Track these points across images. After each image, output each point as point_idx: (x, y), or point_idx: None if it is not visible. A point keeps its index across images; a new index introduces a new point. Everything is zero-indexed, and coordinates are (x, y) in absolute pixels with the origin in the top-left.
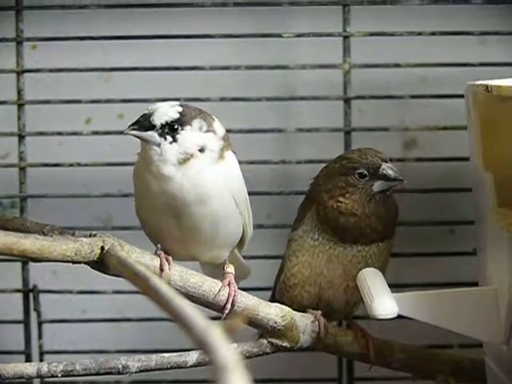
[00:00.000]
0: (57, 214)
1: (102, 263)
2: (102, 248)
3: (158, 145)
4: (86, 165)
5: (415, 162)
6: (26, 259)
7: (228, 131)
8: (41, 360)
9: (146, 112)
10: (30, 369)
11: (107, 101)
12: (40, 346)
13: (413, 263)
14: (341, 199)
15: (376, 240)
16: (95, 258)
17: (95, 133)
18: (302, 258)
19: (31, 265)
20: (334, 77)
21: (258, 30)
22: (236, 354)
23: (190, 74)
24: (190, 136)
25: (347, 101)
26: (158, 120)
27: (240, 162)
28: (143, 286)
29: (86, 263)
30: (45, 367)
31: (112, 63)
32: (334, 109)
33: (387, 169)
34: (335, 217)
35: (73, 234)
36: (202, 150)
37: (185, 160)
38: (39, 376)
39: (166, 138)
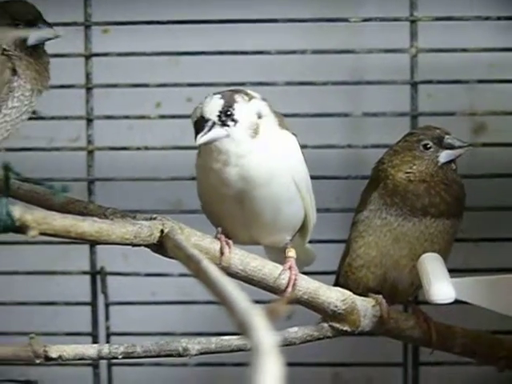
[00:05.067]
0: (125, 197)
1: (162, 246)
2: (162, 231)
3: (227, 135)
4: (153, 148)
5: (484, 147)
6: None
7: (294, 115)
8: (107, 341)
9: (196, 118)
10: (90, 350)
11: (174, 85)
12: (107, 328)
13: (482, 248)
14: (409, 170)
15: (444, 213)
16: (155, 241)
17: (162, 116)
18: (369, 238)
19: (100, 247)
20: (400, 61)
21: (325, 15)
22: (273, 338)
23: (257, 59)
24: (243, 108)
25: (414, 85)
26: (212, 116)
27: (306, 147)
28: (195, 269)
29: (145, 246)
30: (106, 349)
31: (180, 47)
32: (400, 93)
33: (451, 138)
34: (405, 186)
35: (134, 217)
36: (260, 116)
37: (255, 131)
38: (100, 358)
39: (229, 125)
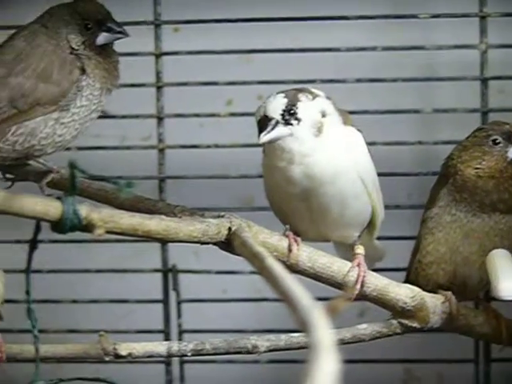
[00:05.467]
0: (196, 195)
1: (230, 244)
2: (230, 229)
3: (291, 134)
4: (223, 146)
5: None
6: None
7: (364, 112)
8: (179, 339)
9: (259, 117)
10: (160, 348)
11: (244, 82)
12: (179, 325)
13: None
14: (478, 166)
15: None
16: (222, 239)
17: (232, 114)
18: (439, 234)
19: (172, 245)
20: (470, 57)
21: (395, 12)
22: (332, 336)
23: (327, 56)
24: (307, 107)
25: (484, 81)
26: (275, 114)
27: (376, 143)
28: (259, 266)
29: (213, 244)
30: (175, 346)
31: (251, 45)
32: (471, 89)
33: None
34: (474, 182)
35: (202, 215)
36: (324, 115)
37: (319, 129)
38: (169, 355)
39: (292, 124)
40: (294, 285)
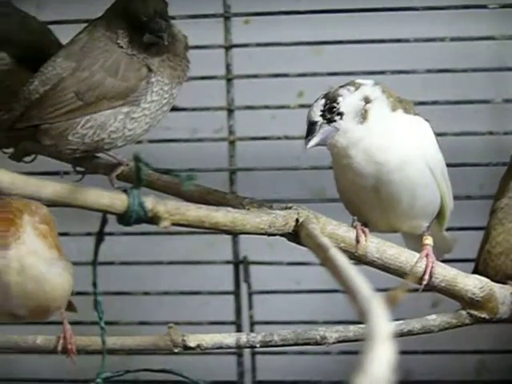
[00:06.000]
0: (266, 186)
1: (297, 235)
2: (297, 220)
3: (337, 130)
4: (293, 138)
5: None
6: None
7: (435, 103)
8: (251, 330)
9: (306, 124)
10: (229, 339)
11: (314, 74)
12: (250, 317)
13: None
14: None
15: None
16: (290, 231)
17: (302, 106)
18: (508, 225)
19: (244, 237)
20: None
21: (464, 2)
22: (389, 326)
23: (396, 47)
24: (346, 99)
25: None
26: (316, 117)
27: (447, 134)
28: (323, 257)
29: (281, 235)
30: (243, 338)
31: (321, 37)
32: None
33: None
34: None
35: (270, 207)
36: (367, 101)
37: (363, 116)
38: (238, 346)
39: (335, 120)
40: (356, 275)
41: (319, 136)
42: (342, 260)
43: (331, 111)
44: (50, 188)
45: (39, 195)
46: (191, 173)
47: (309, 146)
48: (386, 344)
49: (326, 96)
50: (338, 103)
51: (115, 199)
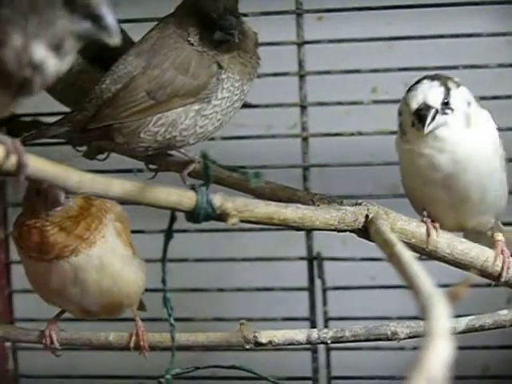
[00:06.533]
0: (340, 183)
1: (367, 231)
2: (367, 216)
3: (446, 123)
4: (366, 133)
5: None
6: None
7: (508, 97)
8: (325, 326)
9: (418, 105)
10: (300, 335)
11: (386, 70)
12: (325, 313)
13: None
14: None
15: None
16: (359, 227)
17: (375, 101)
18: None
19: (318, 233)
20: None
21: None
22: (449, 323)
23: (469, 42)
24: (456, 95)
25: None
26: (436, 104)
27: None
28: (389, 253)
29: (350, 231)
30: (314, 334)
31: (393, 32)
32: None
33: None
34: None
35: (341, 203)
36: (469, 104)
37: (468, 119)
38: (309, 342)
39: (447, 113)
40: (419, 271)
41: (435, 124)
42: (408, 256)
43: (445, 102)
44: (118, 186)
45: (107, 193)
46: (258, 170)
47: (428, 130)
48: (444, 341)
49: (442, 84)
50: (450, 96)
51: (183, 197)
